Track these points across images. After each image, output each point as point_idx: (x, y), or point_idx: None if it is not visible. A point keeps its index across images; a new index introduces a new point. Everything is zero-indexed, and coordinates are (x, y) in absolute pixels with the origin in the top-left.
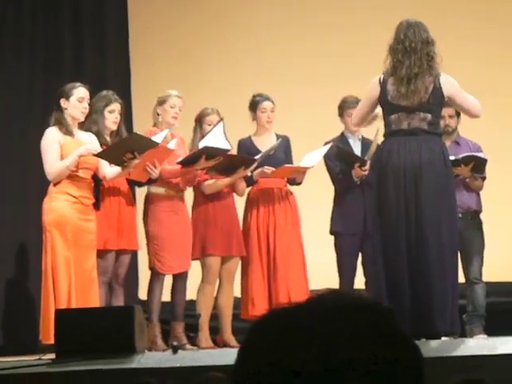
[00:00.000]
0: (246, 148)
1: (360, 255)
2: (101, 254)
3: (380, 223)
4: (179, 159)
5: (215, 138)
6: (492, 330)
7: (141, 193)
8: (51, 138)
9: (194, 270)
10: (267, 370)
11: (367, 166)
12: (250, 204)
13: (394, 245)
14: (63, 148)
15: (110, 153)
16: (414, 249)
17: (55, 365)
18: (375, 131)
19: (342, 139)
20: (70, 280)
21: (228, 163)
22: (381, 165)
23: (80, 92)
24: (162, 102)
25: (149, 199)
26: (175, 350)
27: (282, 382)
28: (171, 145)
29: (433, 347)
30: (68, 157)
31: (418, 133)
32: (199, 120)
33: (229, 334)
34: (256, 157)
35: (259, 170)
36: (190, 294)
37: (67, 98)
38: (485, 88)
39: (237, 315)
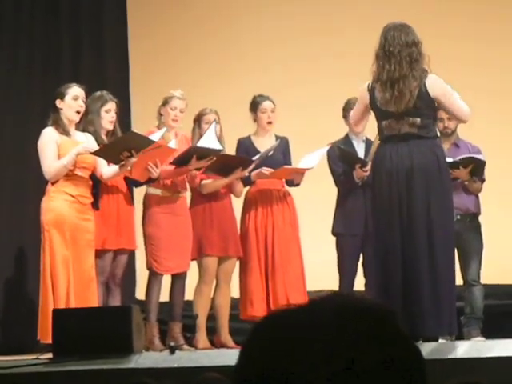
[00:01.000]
0: (246, 147)
1: (361, 256)
2: (99, 253)
3: (375, 226)
4: (173, 160)
5: (206, 140)
6: (489, 333)
7: (139, 193)
8: (48, 138)
9: (191, 271)
10: (268, 372)
11: (368, 167)
12: (248, 205)
13: (387, 248)
14: (60, 148)
15: (107, 151)
16: (406, 251)
17: (52, 364)
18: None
19: (346, 141)
20: (69, 279)
21: (225, 163)
22: (375, 170)
23: (74, 91)
24: (165, 102)
25: (146, 200)
26: (172, 350)
27: (284, 383)
28: (172, 144)
29: (430, 349)
30: (65, 156)
31: (408, 138)
32: (198, 120)
33: (226, 334)
34: (254, 158)
35: (257, 170)
36: (187, 294)
37: (62, 97)
38: (484, 90)
39: (234, 316)
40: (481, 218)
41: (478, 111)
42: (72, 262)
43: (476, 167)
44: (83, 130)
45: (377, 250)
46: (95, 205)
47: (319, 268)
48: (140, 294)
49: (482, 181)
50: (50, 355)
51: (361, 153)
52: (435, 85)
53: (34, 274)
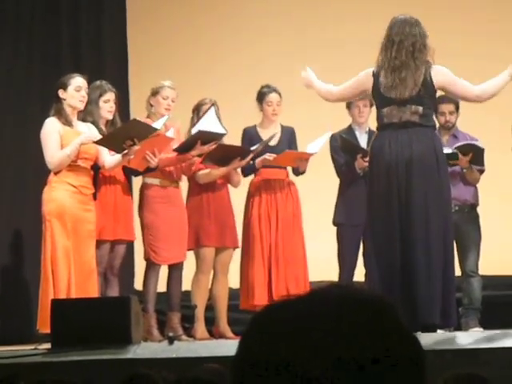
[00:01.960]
0: (251, 137)
1: (361, 247)
2: (96, 243)
3: (372, 215)
4: (175, 146)
5: (209, 123)
6: (488, 324)
7: (137, 182)
8: (51, 128)
9: (189, 261)
10: (267, 362)
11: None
12: (252, 194)
13: (385, 237)
14: (63, 138)
15: (110, 140)
16: (404, 241)
17: (51, 354)
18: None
19: (349, 131)
20: (70, 270)
21: (223, 153)
22: (373, 158)
23: (77, 81)
24: (155, 92)
25: (143, 189)
26: (171, 340)
27: (282, 375)
28: (170, 133)
29: (427, 340)
30: (68, 145)
31: (409, 125)
32: (196, 110)
33: (224, 324)
34: (252, 148)
35: (261, 157)
36: (185, 284)
37: (65, 88)
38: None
39: (232, 306)
40: (479, 209)
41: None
42: (73, 252)
43: (475, 155)
44: (82, 120)
45: (374, 240)
46: (94, 194)
47: (321, 258)
48: (138, 284)
49: (482, 171)
50: (48, 345)
51: (363, 143)
52: (440, 74)
53: (32, 264)
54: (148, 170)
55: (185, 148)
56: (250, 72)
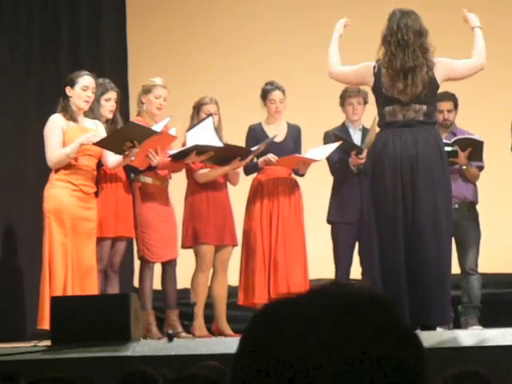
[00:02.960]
0: (256, 134)
1: (357, 245)
2: (97, 241)
3: (377, 213)
4: (170, 152)
5: (205, 135)
6: (487, 322)
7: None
8: (54, 125)
9: (188, 259)
10: (267, 361)
11: (364, 154)
12: (254, 192)
13: (391, 235)
14: (66, 134)
15: (109, 142)
16: (411, 239)
17: (50, 352)
18: (373, 119)
19: (343, 129)
20: (67, 267)
21: (223, 153)
22: (376, 156)
23: (85, 80)
24: (146, 91)
25: (136, 187)
26: (170, 338)
27: (283, 373)
28: (172, 131)
29: (427, 338)
30: (69, 144)
31: (413, 124)
32: (197, 108)
33: (224, 322)
34: (253, 148)
35: (264, 157)
36: (184, 282)
37: (72, 86)
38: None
39: (231, 304)
40: (479, 207)
41: (476, 100)
42: (71, 250)
43: (474, 150)
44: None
45: (378, 238)
46: (96, 192)
47: (317, 256)
48: (138, 281)
49: (481, 168)
50: (48, 342)
51: (357, 141)
52: (441, 68)
53: (31, 261)
54: (149, 169)
55: (180, 156)
56: (251, 68)
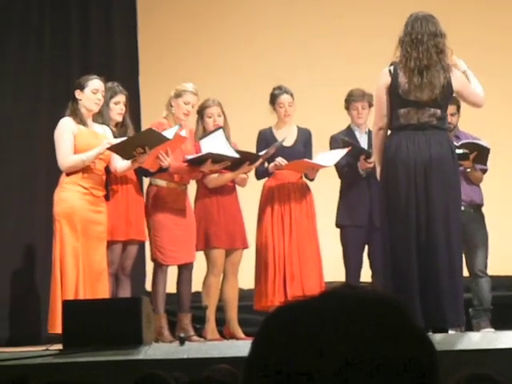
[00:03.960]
0: (267, 139)
1: (366, 248)
2: (108, 244)
3: (390, 217)
4: (187, 157)
5: (218, 145)
6: (499, 324)
7: (145, 184)
8: (65, 128)
9: (199, 262)
10: (280, 363)
11: (372, 159)
12: (266, 196)
13: (403, 238)
14: (77, 138)
15: (122, 147)
16: (425, 242)
17: (62, 355)
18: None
19: (349, 132)
20: (78, 271)
21: (230, 163)
22: (388, 158)
23: (94, 84)
24: (178, 95)
25: (151, 191)
26: (182, 341)
27: (296, 376)
28: (183, 133)
29: (439, 341)
30: (87, 152)
31: (426, 128)
32: (200, 112)
33: (235, 325)
34: (261, 153)
35: (273, 162)
36: (196, 285)
37: (82, 89)
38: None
39: (243, 307)
40: (489, 209)
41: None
42: (82, 253)
43: (480, 154)
44: (93, 122)
45: (390, 241)
46: (106, 196)
47: (331, 260)
48: (150, 285)
49: (484, 171)
50: (59, 346)
51: (363, 144)
52: (458, 79)
53: (43, 265)
54: (160, 170)
55: (195, 162)
56: (265, 70)
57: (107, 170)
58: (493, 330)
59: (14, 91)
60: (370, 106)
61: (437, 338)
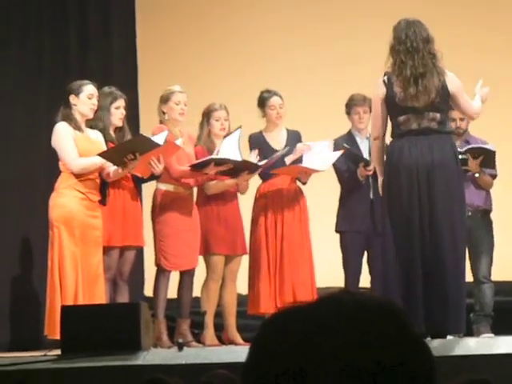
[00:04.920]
0: (258, 143)
1: (366, 253)
2: (105, 250)
3: (393, 222)
4: (191, 163)
5: (228, 147)
6: (499, 329)
7: (149, 188)
8: (65, 132)
9: (198, 268)
10: (277, 368)
11: (371, 167)
12: (259, 202)
13: (407, 243)
14: (75, 143)
15: (113, 153)
16: (429, 248)
17: (61, 361)
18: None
19: (349, 137)
20: (77, 276)
21: (233, 166)
22: (391, 163)
23: (89, 89)
24: (166, 99)
25: (157, 195)
26: (181, 346)
27: (293, 381)
28: (179, 142)
29: (437, 346)
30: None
31: (428, 132)
32: (207, 115)
33: (234, 331)
34: (261, 163)
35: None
36: (195, 291)
37: (77, 94)
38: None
39: (241, 312)
40: (493, 215)
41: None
42: (80, 258)
43: (486, 158)
44: (91, 127)
45: (397, 247)
46: (102, 201)
47: (329, 265)
48: (148, 290)
49: (494, 176)
50: (58, 352)
51: (364, 150)
52: (453, 82)
53: (41, 270)
54: (152, 177)
55: (198, 167)
56: (263, 72)
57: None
58: (492, 335)
59: (12, 94)
60: (371, 110)
61: (435, 343)
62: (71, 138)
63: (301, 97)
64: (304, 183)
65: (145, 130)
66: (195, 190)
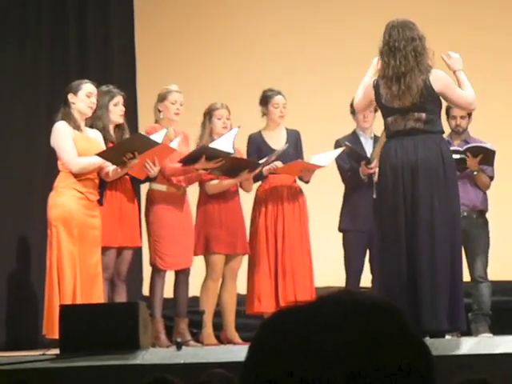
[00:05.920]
0: (257, 143)
1: (368, 253)
2: (102, 250)
3: (380, 222)
4: (181, 158)
5: (222, 142)
6: (497, 329)
7: (144, 188)
8: (64, 131)
9: (198, 267)
10: (277, 368)
11: (373, 164)
12: (259, 201)
13: (393, 241)
14: (74, 142)
15: (112, 153)
16: (411, 246)
17: (59, 360)
18: (382, 131)
19: (354, 137)
20: (76, 275)
21: (232, 165)
22: (380, 165)
23: (88, 87)
24: (162, 98)
25: (150, 196)
26: (179, 346)
27: (292, 382)
28: (174, 144)
29: (436, 345)
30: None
31: (414, 133)
32: (208, 114)
33: (232, 330)
34: (261, 161)
35: (269, 166)
36: (194, 290)
37: (75, 92)
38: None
39: (240, 312)
40: (489, 214)
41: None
42: (79, 258)
43: (485, 157)
44: (91, 126)
45: (382, 244)
46: (100, 201)
47: (329, 264)
48: (146, 290)
49: (491, 178)
50: (56, 351)
51: (368, 149)
52: (438, 79)
53: (39, 269)
54: (148, 179)
55: (189, 160)
56: (262, 73)
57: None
58: (491, 334)
59: (11, 93)
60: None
61: (434, 342)
62: (70, 137)
63: (301, 97)
64: (307, 182)
65: (143, 129)
66: (193, 189)
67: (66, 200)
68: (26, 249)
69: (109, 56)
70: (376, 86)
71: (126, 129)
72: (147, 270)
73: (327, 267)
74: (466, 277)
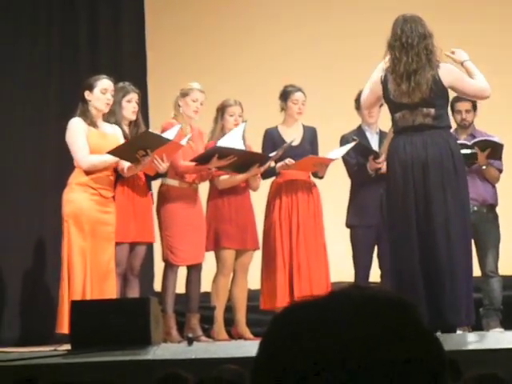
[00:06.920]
0: (273, 138)
1: (376, 248)
2: (116, 245)
3: (390, 217)
4: (194, 157)
5: (232, 139)
6: (509, 324)
7: (157, 183)
8: (78, 128)
9: (209, 262)
10: (288, 362)
11: (381, 159)
12: (274, 196)
13: (405, 238)
14: (88, 139)
15: (123, 151)
16: (425, 242)
17: (70, 356)
18: (391, 124)
19: (360, 132)
20: (86, 271)
21: (242, 160)
22: (389, 161)
23: (103, 83)
24: (184, 94)
25: (162, 191)
26: (190, 341)
27: (303, 376)
28: (182, 141)
29: (448, 340)
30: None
31: (423, 129)
32: (221, 110)
33: (243, 326)
34: (271, 154)
35: (281, 162)
36: (205, 286)
37: (91, 89)
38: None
39: (251, 307)
40: (499, 209)
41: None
42: (90, 254)
43: (493, 150)
44: (107, 122)
45: (392, 242)
46: (115, 196)
47: (339, 259)
48: (158, 285)
49: (500, 171)
50: (68, 347)
51: (374, 145)
52: (447, 73)
53: (53, 265)
54: (159, 175)
55: (202, 159)
56: (270, 71)
57: (116, 172)
58: (502, 329)
59: (23, 92)
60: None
61: (445, 337)
62: (83, 134)
63: (313, 93)
64: (321, 177)
65: (154, 125)
66: (204, 185)
67: (77, 196)
68: (41, 246)
69: (119, 54)
70: (384, 82)
71: (141, 125)
72: (159, 266)
73: (338, 263)
74: (477, 271)
